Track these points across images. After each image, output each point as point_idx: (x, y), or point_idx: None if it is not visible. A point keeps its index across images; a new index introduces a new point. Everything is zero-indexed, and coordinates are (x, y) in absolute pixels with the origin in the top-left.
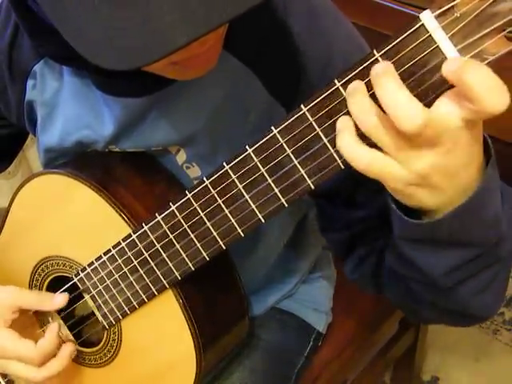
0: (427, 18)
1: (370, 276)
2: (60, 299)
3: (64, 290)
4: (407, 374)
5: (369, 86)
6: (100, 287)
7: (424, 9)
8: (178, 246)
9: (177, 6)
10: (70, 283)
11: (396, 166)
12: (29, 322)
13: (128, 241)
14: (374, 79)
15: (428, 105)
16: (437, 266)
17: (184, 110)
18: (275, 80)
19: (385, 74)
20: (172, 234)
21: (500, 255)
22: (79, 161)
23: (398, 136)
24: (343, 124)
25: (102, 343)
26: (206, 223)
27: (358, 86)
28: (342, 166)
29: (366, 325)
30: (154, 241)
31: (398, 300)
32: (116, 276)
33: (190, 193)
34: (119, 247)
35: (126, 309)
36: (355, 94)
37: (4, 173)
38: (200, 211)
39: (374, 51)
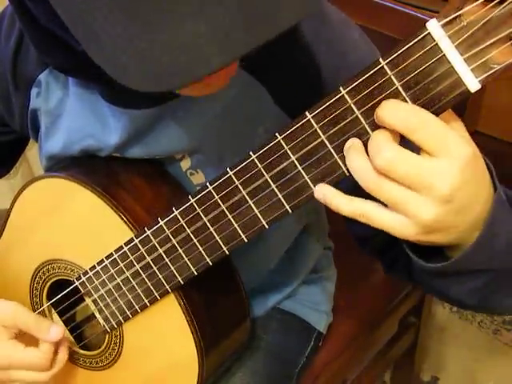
0: (434, 26)
1: (405, 274)
2: (56, 333)
3: (65, 294)
4: (407, 374)
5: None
6: (102, 291)
7: (425, 9)
8: (180, 251)
9: (210, 28)
10: (71, 287)
11: (398, 217)
12: None
13: (130, 245)
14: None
15: (434, 114)
16: (462, 293)
17: (191, 121)
18: (284, 93)
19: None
20: (175, 238)
21: None
22: (81, 165)
23: (398, 189)
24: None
25: (103, 346)
26: (209, 228)
27: (352, 143)
28: (347, 173)
29: (366, 325)
30: (157, 245)
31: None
32: (118, 280)
33: (193, 198)
34: (121, 251)
35: (128, 313)
36: (350, 151)
37: None
38: (203, 216)
39: (380, 59)
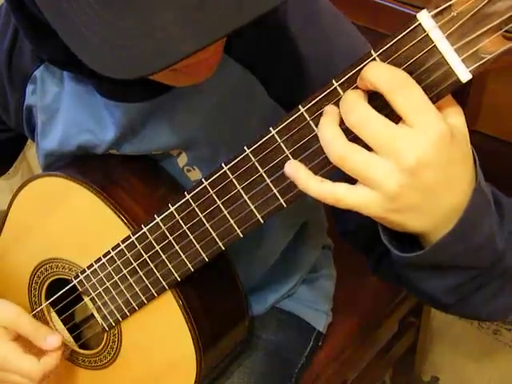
0: (424, 17)
1: (391, 274)
2: (51, 342)
3: (63, 293)
4: (407, 373)
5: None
6: (99, 289)
7: (423, 8)
8: (177, 247)
9: (181, 15)
10: (69, 285)
11: (364, 193)
12: None
13: (127, 242)
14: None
15: None
16: (437, 288)
17: (185, 115)
18: (277, 84)
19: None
20: (171, 235)
21: (501, 272)
22: (78, 163)
23: (364, 155)
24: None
25: (101, 345)
26: (205, 224)
27: (326, 111)
28: None
29: (365, 325)
30: (154, 242)
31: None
32: (115, 278)
33: (188, 194)
34: (118, 249)
35: (126, 310)
36: (322, 118)
37: None
38: (199, 212)
39: (372, 51)
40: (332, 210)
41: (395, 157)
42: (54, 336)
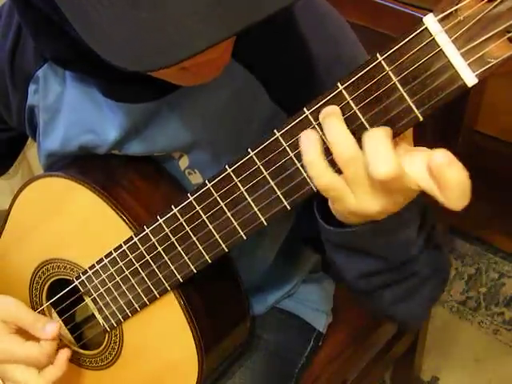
0: (430, 21)
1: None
2: (51, 330)
3: (65, 293)
4: (407, 374)
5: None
6: (101, 290)
7: (425, 9)
8: (180, 249)
9: (196, 9)
10: (70, 286)
11: (351, 198)
12: None
13: (130, 243)
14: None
15: (430, 110)
16: (350, 269)
17: (187, 117)
18: (279, 87)
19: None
20: (174, 236)
21: (409, 274)
22: (80, 163)
23: (365, 176)
24: (310, 139)
25: (103, 346)
26: (208, 226)
27: (331, 110)
28: None
29: (366, 325)
30: (156, 244)
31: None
32: (117, 279)
33: (192, 195)
34: (121, 250)
35: (128, 311)
36: (329, 118)
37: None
38: (202, 214)
39: (377, 54)
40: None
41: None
42: (52, 324)
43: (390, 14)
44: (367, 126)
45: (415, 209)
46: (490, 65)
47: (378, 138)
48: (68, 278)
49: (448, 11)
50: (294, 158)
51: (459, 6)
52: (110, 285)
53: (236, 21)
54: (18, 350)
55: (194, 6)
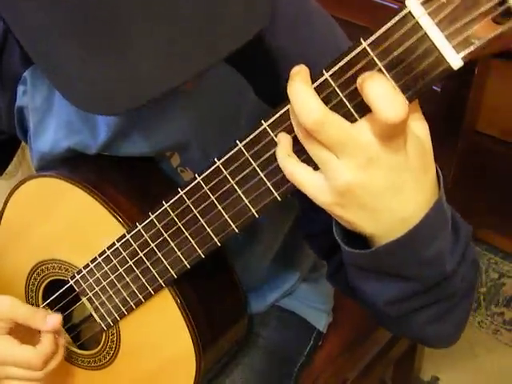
0: (413, 4)
1: (345, 280)
2: (52, 321)
3: (60, 293)
4: (407, 374)
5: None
6: (96, 289)
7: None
8: (172, 244)
9: (152, 55)
10: (66, 286)
11: (318, 180)
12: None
13: (122, 241)
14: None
15: (418, 92)
16: (379, 295)
17: (175, 117)
18: (265, 83)
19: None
20: (166, 232)
21: (446, 294)
22: (72, 163)
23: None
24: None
25: (100, 345)
26: (199, 220)
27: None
28: None
29: (366, 324)
30: (149, 240)
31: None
32: (112, 277)
33: (182, 190)
34: (114, 248)
35: (123, 309)
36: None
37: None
38: (193, 208)
39: (362, 40)
40: (301, 211)
41: (349, 155)
42: (53, 315)
43: (389, 13)
44: (354, 113)
45: (441, 216)
46: (474, 46)
47: (380, 83)
48: (63, 278)
49: None
50: None
51: None
52: (104, 283)
53: (191, 65)
54: (10, 353)
55: (150, 51)
